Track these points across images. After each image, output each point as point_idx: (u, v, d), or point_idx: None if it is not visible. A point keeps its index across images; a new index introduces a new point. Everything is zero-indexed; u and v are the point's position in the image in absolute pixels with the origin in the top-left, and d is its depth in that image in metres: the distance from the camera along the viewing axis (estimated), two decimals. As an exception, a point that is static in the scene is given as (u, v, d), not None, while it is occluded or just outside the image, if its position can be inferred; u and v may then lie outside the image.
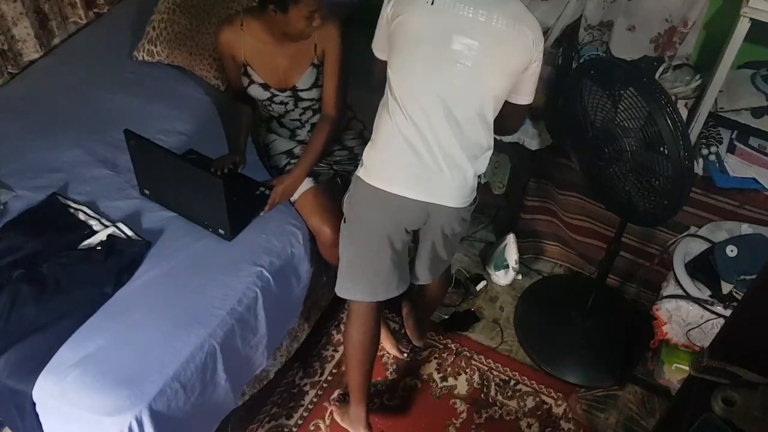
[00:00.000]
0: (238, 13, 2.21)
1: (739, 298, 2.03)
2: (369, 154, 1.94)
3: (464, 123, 1.85)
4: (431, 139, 1.84)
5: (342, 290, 2.13)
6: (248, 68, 2.17)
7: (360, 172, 1.95)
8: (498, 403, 2.52)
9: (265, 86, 2.19)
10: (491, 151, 1.95)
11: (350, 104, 2.42)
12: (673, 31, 2.42)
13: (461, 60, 1.80)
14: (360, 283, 2.09)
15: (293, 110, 2.27)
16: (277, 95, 2.21)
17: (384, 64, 1.92)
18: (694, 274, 2.15)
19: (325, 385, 2.55)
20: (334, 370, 2.59)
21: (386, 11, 1.88)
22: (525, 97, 1.96)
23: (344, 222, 2.05)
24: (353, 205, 2.01)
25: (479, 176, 1.97)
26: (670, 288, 2.18)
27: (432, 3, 1.79)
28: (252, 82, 2.19)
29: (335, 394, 2.50)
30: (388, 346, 2.62)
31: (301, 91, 2.19)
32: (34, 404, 1.86)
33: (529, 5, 2.52)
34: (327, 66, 2.15)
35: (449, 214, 1.96)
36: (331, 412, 2.46)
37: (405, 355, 2.63)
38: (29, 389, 1.84)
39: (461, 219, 2.01)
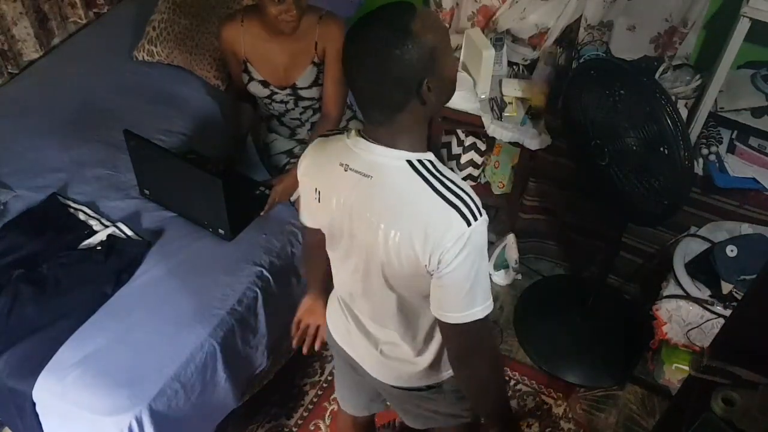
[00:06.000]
0: (239, 11, 2.21)
1: (739, 298, 2.03)
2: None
3: None
4: None
5: None
6: (248, 65, 2.18)
7: None
8: (498, 403, 2.51)
9: (265, 83, 2.19)
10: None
11: (350, 104, 2.42)
12: (673, 31, 2.43)
13: None
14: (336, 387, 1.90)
15: (293, 109, 2.27)
16: (277, 93, 2.21)
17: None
18: (694, 274, 2.15)
19: (325, 385, 2.55)
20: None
21: None
22: None
23: None
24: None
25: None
26: (670, 288, 2.18)
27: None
28: (252, 78, 2.19)
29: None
30: None
31: (301, 89, 2.19)
32: (34, 404, 1.87)
33: (529, 5, 2.54)
34: (328, 65, 2.15)
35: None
36: (332, 412, 2.46)
37: None
38: (29, 389, 1.84)
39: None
